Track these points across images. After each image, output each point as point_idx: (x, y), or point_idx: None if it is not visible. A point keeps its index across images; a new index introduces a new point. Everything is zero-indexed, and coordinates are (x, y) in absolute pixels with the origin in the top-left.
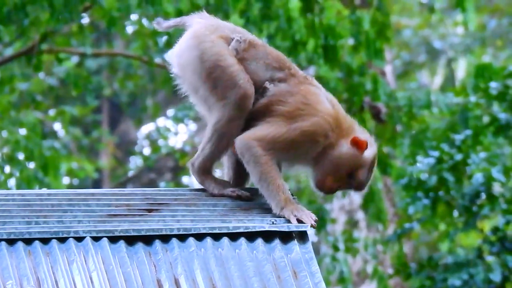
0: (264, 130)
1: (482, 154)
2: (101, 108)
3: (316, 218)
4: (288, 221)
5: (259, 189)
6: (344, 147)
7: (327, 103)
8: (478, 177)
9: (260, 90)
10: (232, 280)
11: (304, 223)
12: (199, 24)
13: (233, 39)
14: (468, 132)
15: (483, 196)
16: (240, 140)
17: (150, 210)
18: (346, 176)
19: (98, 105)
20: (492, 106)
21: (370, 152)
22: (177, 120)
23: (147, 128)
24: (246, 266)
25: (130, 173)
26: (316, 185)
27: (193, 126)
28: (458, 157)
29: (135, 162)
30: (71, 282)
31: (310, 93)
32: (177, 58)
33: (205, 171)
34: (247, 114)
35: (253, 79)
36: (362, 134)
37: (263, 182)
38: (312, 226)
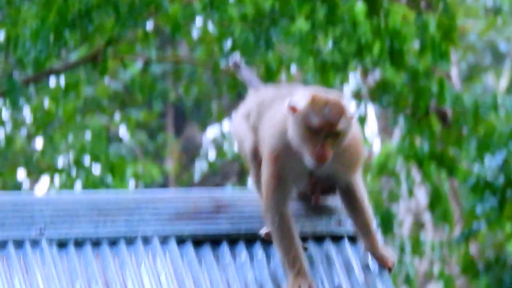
0: (262, 190)
1: None
2: (166, 113)
3: None
4: None
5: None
6: (289, 123)
7: (275, 115)
8: None
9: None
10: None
11: None
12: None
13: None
14: None
15: None
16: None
17: (217, 210)
18: (314, 135)
19: (163, 110)
20: None
21: (303, 101)
22: None
23: (212, 132)
24: (318, 269)
25: (196, 178)
26: (312, 166)
27: None
28: None
29: (200, 167)
30: (140, 284)
31: (269, 118)
32: None
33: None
34: None
35: (258, 136)
36: (292, 98)
37: (279, 249)
38: None
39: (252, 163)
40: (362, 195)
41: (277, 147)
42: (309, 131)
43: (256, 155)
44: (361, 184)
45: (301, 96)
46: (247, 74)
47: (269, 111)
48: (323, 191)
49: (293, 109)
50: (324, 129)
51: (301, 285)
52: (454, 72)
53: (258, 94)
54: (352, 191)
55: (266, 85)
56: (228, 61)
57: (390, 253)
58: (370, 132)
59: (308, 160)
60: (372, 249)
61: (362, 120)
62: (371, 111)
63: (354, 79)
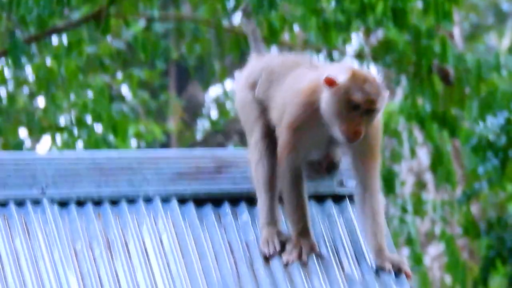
0: (279, 149)
1: None
2: (168, 72)
3: (318, 251)
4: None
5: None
6: (324, 97)
7: (302, 81)
8: None
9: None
10: None
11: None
12: (240, 73)
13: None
14: None
15: None
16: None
17: (219, 170)
18: (351, 111)
19: (165, 68)
20: None
21: (343, 75)
22: None
23: (215, 91)
24: (318, 229)
25: (198, 136)
26: (344, 141)
27: None
28: None
29: (202, 126)
30: (141, 243)
31: (289, 83)
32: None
33: (265, 223)
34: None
35: (270, 103)
36: (327, 71)
37: (286, 209)
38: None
39: (256, 150)
40: (376, 188)
41: (301, 116)
42: (348, 106)
43: (263, 142)
44: (377, 177)
45: (339, 70)
46: (254, 28)
47: (284, 80)
48: (330, 165)
49: (331, 82)
50: (364, 106)
51: (303, 245)
52: (457, 32)
53: (264, 61)
54: (368, 178)
55: (268, 48)
56: (230, 20)
57: (396, 258)
58: None
59: (341, 135)
60: (378, 254)
61: None
62: (374, 71)
63: (356, 38)
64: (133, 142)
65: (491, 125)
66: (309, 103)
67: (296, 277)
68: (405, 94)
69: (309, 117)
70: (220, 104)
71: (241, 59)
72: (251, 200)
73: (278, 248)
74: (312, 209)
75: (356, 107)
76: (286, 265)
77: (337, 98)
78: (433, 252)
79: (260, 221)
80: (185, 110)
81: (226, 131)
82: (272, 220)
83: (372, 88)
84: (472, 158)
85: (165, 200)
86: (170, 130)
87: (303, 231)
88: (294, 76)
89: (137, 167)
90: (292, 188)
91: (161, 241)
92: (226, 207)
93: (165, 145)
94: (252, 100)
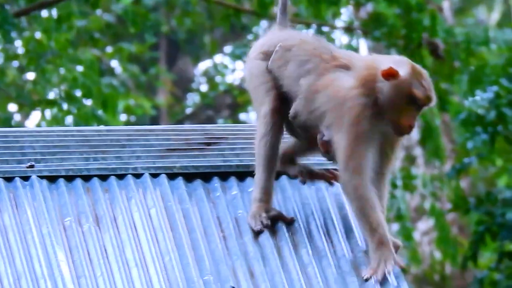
0: (341, 159)
1: None
2: (158, 45)
3: (403, 264)
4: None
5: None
6: (384, 88)
7: (345, 79)
8: None
9: (298, 90)
10: (295, 216)
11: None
12: (255, 42)
13: (272, 52)
14: None
15: None
16: (340, 186)
17: (209, 144)
18: (409, 104)
19: (155, 42)
20: None
21: (404, 69)
22: (235, 57)
23: (205, 65)
24: (307, 202)
25: (188, 110)
26: (396, 133)
27: None
28: None
29: (192, 99)
30: (130, 218)
31: (330, 85)
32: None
33: (258, 200)
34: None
35: (290, 81)
36: (384, 63)
37: (358, 220)
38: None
39: (264, 124)
40: (389, 176)
41: (364, 109)
42: (408, 100)
43: (273, 115)
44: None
45: (397, 62)
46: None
47: (306, 66)
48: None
49: (393, 75)
50: (422, 101)
51: (387, 256)
52: (446, 5)
53: (281, 34)
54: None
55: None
56: None
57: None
58: None
59: (394, 126)
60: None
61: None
62: (363, 44)
63: (346, 12)
64: (123, 116)
65: (481, 99)
66: (364, 97)
67: (285, 251)
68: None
69: (367, 108)
70: (210, 78)
71: (231, 32)
72: (240, 175)
73: (265, 223)
74: (305, 186)
75: (414, 101)
76: (366, 280)
77: (398, 91)
78: (423, 227)
79: (253, 194)
80: (175, 84)
81: (216, 105)
82: (265, 197)
83: (429, 84)
84: (461, 133)
85: (154, 175)
86: (160, 104)
87: (384, 238)
88: (330, 81)
89: (126, 142)
90: (369, 195)
91: (149, 216)
92: (216, 182)
93: (155, 119)
94: (264, 71)
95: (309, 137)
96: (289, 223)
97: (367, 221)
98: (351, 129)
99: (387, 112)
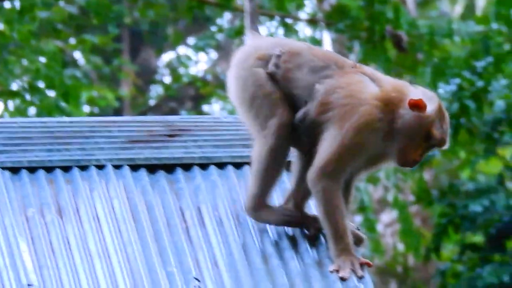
0: (323, 155)
1: (504, 81)
2: (121, 37)
3: (371, 264)
4: None
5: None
6: (406, 116)
7: (370, 86)
8: (500, 104)
9: (312, 95)
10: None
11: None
12: (242, 48)
13: (271, 56)
14: (490, 59)
15: (504, 123)
16: (308, 176)
17: (171, 136)
18: (423, 141)
19: (118, 33)
20: None
21: (432, 106)
22: (198, 48)
23: (168, 56)
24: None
25: (151, 102)
26: (399, 163)
27: (214, 54)
28: (480, 84)
29: (155, 91)
30: (93, 210)
31: (352, 83)
32: (230, 86)
33: (258, 207)
34: (306, 130)
35: (302, 86)
36: (415, 93)
37: (325, 224)
38: (359, 277)
39: (277, 137)
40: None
41: (376, 123)
42: (425, 136)
43: (286, 129)
44: None
45: (426, 96)
46: (254, 7)
47: (326, 72)
48: None
49: (420, 107)
50: (437, 142)
51: (353, 261)
52: None
53: (273, 39)
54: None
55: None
56: None
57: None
58: None
59: (399, 156)
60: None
61: (318, 45)
62: (327, 36)
63: (309, 4)
64: (86, 107)
65: (444, 92)
66: (382, 111)
67: (249, 240)
68: (358, 60)
69: (378, 122)
70: (173, 70)
71: (194, 24)
72: (203, 166)
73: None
74: (232, 174)
75: (430, 139)
76: (342, 280)
77: (419, 124)
78: (386, 219)
79: (252, 203)
80: (138, 76)
81: (179, 97)
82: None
83: (448, 128)
84: None
85: (117, 166)
86: (123, 96)
87: (349, 248)
88: (353, 80)
89: (89, 133)
90: (339, 201)
91: (112, 207)
92: (179, 173)
93: (118, 110)
94: (266, 79)
95: (312, 145)
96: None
97: (334, 228)
98: (351, 134)
99: (399, 140)
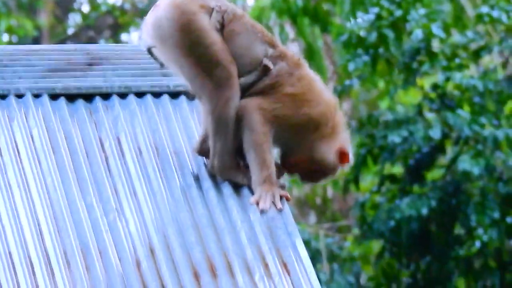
0: (270, 104)
1: (422, 11)
2: None
3: (289, 198)
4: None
5: (246, 155)
6: (330, 154)
7: (328, 93)
8: (418, 33)
9: (259, 66)
10: (175, 137)
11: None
12: None
13: (213, 9)
14: None
15: (423, 52)
16: (244, 104)
17: (91, 64)
18: (311, 171)
19: None
20: None
21: (346, 166)
22: None
23: None
24: (188, 124)
25: (69, 31)
26: (283, 162)
27: None
28: (398, 13)
29: (74, 20)
30: (12, 139)
31: (314, 81)
32: (154, 28)
33: (227, 167)
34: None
35: (246, 54)
36: (346, 141)
37: (252, 152)
38: (278, 209)
39: (228, 86)
40: None
41: (321, 121)
42: (318, 172)
43: (234, 79)
44: None
45: (351, 154)
46: None
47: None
48: None
49: (344, 161)
50: (313, 179)
51: (274, 192)
52: None
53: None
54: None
55: None
56: None
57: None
58: None
59: (286, 164)
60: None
61: None
62: None
63: None
64: (5, 36)
65: (362, 21)
66: (328, 120)
67: (167, 169)
68: None
69: (324, 126)
70: None
71: None
72: (122, 95)
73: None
74: (151, 103)
75: (315, 177)
76: (262, 212)
77: (329, 170)
78: None
79: (221, 163)
80: (56, 5)
81: (97, 26)
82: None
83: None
84: (343, 54)
85: (36, 95)
86: (41, 25)
87: (272, 178)
88: (313, 78)
89: (8, 61)
90: (268, 139)
91: (31, 137)
92: (98, 102)
93: (37, 40)
94: (213, 28)
95: None
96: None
97: (261, 156)
98: (306, 112)
99: (307, 150)
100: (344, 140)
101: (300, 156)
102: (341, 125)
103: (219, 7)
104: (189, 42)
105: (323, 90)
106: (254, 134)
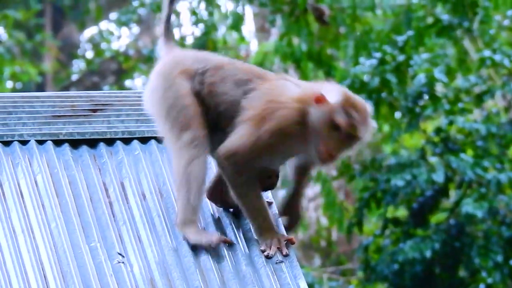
0: (234, 141)
1: (425, 55)
2: (43, 12)
3: (294, 241)
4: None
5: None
6: (313, 112)
7: (291, 89)
8: (421, 77)
9: (238, 111)
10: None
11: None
12: (164, 60)
13: (195, 72)
14: (411, 33)
15: (426, 97)
16: (219, 154)
17: (94, 110)
18: (331, 131)
19: (40, 9)
20: (436, 7)
21: (335, 97)
22: (120, 23)
23: (90, 31)
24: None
25: (74, 77)
26: (319, 161)
27: (136, 29)
28: (401, 58)
29: (78, 66)
30: (16, 185)
31: (273, 88)
32: (148, 96)
33: (186, 222)
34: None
35: (227, 101)
36: (323, 89)
37: (240, 205)
38: (284, 255)
39: (193, 147)
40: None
41: (290, 123)
42: (330, 126)
43: (202, 141)
44: None
45: (332, 89)
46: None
47: (251, 84)
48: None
49: (321, 100)
50: (345, 129)
51: (280, 239)
52: None
53: (195, 53)
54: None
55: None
56: None
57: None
58: (247, 31)
59: (316, 153)
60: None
61: (240, 19)
62: (249, 10)
63: None
64: (9, 83)
65: (365, 66)
66: (299, 113)
67: (171, 213)
68: (280, 33)
69: (296, 125)
70: (95, 44)
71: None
72: (126, 141)
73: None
74: (155, 148)
75: (337, 129)
76: (269, 258)
77: (322, 116)
78: (310, 193)
79: (182, 216)
80: (60, 51)
81: (101, 72)
82: (196, 218)
83: (359, 115)
84: None
85: (40, 141)
86: (45, 71)
87: (269, 224)
88: (274, 85)
89: (12, 108)
90: (252, 188)
91: (36, 182)
92: (101, 148)
93: (41, 85)
94: (189, 92)
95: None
96: (230, 245)
97: (247, 208)
98: (266, 136)
99: (314, 138)
100: (305, 89)
101: (313, 146)
102: (312, 93)
103: (203, 67)
104: (167, 106)
105: (282, 92)
106: (235, 188)
